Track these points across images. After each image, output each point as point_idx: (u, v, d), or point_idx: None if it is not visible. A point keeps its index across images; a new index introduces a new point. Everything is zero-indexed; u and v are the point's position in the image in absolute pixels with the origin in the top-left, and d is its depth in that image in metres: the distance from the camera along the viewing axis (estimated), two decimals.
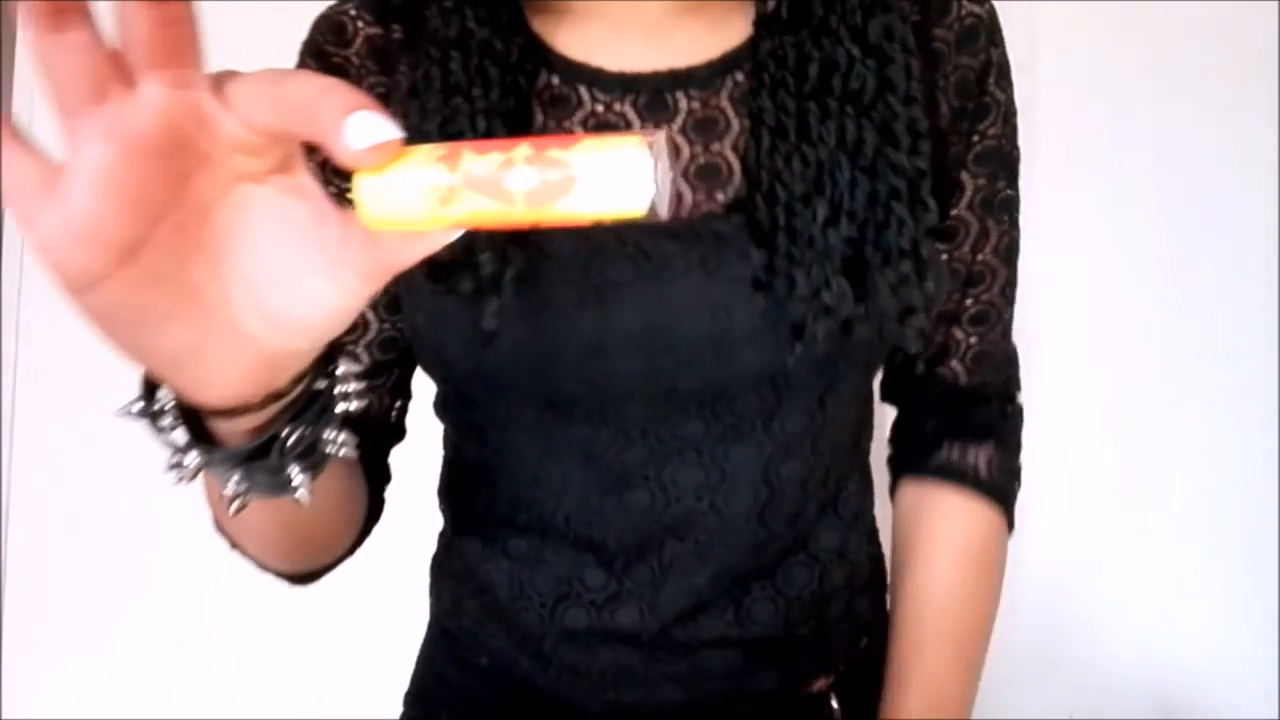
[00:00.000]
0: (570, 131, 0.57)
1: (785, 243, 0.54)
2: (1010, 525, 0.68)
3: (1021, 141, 0.66)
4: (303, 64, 0.61)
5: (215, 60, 0.29)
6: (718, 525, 0.59)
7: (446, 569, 0.70)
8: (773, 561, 0.62)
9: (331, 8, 0.62)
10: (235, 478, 0.40)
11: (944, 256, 0.64)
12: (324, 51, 0.60)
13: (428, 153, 0.29)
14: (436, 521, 0.71)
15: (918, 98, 0.57)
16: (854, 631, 0.67)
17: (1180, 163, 1.29)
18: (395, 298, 0.61)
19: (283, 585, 0.61)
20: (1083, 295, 1.29)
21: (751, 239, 0.55)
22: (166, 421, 0.38)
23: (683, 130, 0.58)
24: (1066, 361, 1.26)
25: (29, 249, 0.30)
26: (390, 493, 0.66)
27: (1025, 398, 0.71)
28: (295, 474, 0.40)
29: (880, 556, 0.70)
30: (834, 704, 0.67)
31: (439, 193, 0.28)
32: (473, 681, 0.68)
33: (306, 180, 0.33)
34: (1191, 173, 1.29)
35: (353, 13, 0.61)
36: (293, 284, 0.33)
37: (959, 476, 0.66)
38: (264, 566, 0.58)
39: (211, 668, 1.38)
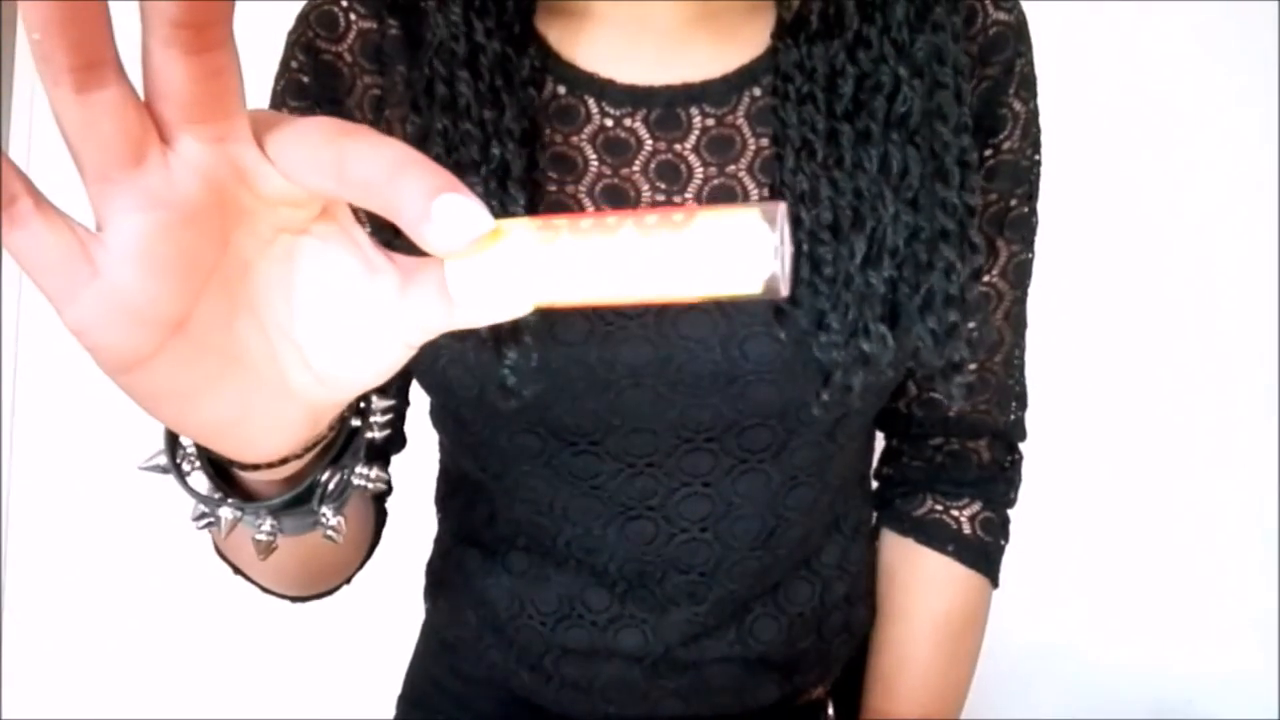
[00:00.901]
0: (576, 145, 0.55)
1: (808, 271, 0.52)
2: (994, 582, 0.66)
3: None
4: (290, 58, 0.56)
5: None
6: (722, 555, 0.58)
7: (444, 577, 0.68)
8: (775, 581, 0.61)
9: None
10: (267, 525, 0.38)
11: None
12: (315, 46, 0.56)
13: (521, 230, 0.27)
14: (431, 519, 0.70)
15: (969, 126, 0.53)
16: (853, 640, 0.66)
17: (1179, 163, 1.28)
18: None
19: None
20: (1081, 296, 1.28)
21: None
22: (190, 471, 0.36)
23: (696, 149, 0.55)
24: (1067, 362, 1.26)
25: (66, 329, 0.27)
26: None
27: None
28: (329, 515, 0.38)
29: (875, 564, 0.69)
30: (830, 710, 0.67)
31: (537, 274, 0.26)
32: (470, 690, 0.67)
33: (351, 227, 0.30)
34: (1191, 173, 1.28)
35: (345, 3, 0.56)
36: (343, 336, 0.30)
37: (940, 538, 0.64)
38: (269, 591, 0.56)
39: (209, 668, 1.39)
